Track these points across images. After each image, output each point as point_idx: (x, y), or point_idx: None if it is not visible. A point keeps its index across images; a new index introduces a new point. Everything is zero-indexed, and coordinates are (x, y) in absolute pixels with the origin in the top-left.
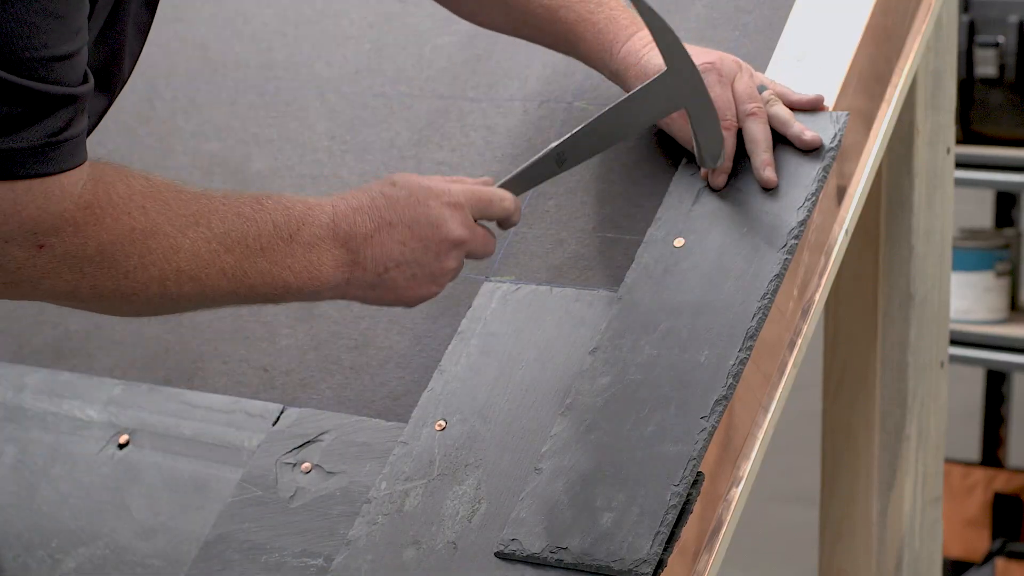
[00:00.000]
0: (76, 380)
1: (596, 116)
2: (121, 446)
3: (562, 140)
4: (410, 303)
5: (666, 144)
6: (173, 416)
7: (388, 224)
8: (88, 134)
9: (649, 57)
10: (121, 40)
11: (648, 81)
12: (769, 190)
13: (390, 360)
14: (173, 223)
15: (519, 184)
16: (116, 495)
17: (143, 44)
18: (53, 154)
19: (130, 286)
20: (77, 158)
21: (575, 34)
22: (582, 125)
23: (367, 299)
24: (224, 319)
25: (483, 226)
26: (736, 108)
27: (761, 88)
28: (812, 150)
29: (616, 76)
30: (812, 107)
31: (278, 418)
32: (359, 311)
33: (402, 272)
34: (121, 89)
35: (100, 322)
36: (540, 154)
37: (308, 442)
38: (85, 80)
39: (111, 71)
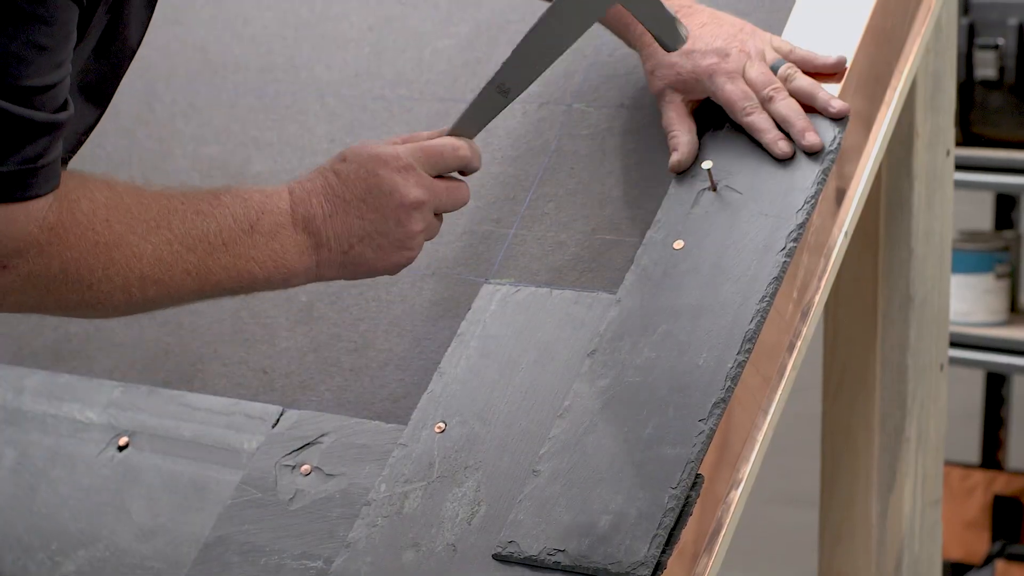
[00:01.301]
0: (76, 382)
1: (525, 35)
2: (121, 448)
3: (499, 69)
4: (389, 271)
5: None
6: (173, 418)
7: (343, 201)
8: (78, 148)
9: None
10: (119, 58)
11: None
12: (770, 192)
13: (390, 362)
14: (135, 231)
15: (469, 126)
16: (116, 497)
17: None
18: (31, 180)
19: (94, 296)
20: (51, 183)
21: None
22: (517, 50)
23: (342, 277)
24: (224, 321)
25: (449, 177)
26: (757, 96)
27: (778, 64)
28: (841, 118)
29: (645, 57)
30: (835, 71)
31: (278, 420)
32: (358, 313)
33: (367, 245)
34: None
35: (100, 324)
36: (484, 90)
37: (308, 444)
38: (64, 107)
39: (105, 88)
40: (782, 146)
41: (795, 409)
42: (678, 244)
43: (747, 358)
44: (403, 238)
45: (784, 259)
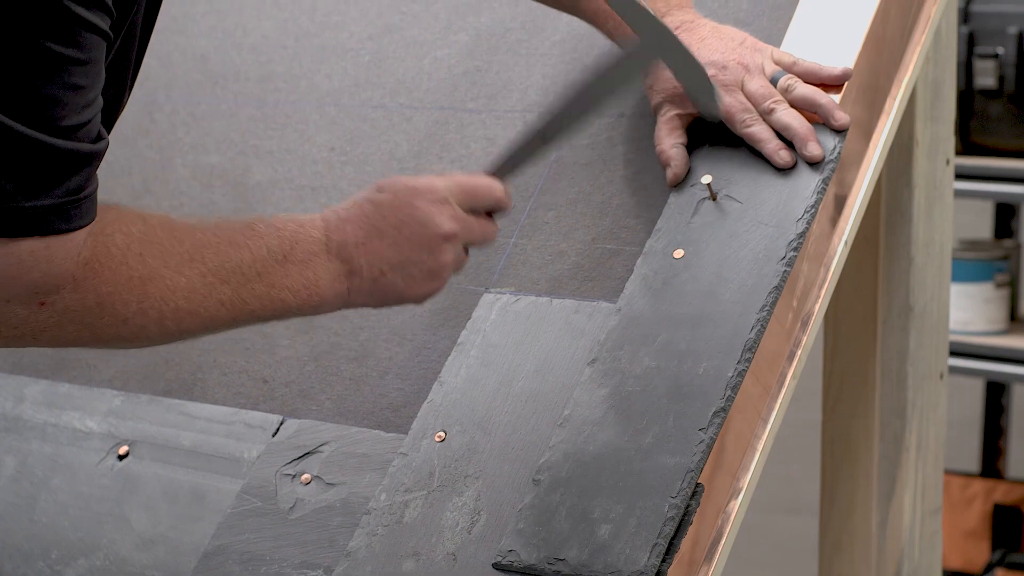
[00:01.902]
0: (76, 391)
1: (573, 86)
2: (121, 457)
3: (544, 117)
4: (416, 301)
5: None
6: (173, 427)
7: (377, 229)
8: None
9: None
10: (122, 84)
11: (614, 45)
12: (770, 201)
13: (390, 371)
14: (169, 264)
15: (507, 168)
16: (116, 506)
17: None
18: (73, 212)
19: (130, 330)
20: (91, 215)
21: (600, 20)
22: (560, 99)
23: (371, 304)
24: None
25: (480, 215)
26: (757, 108)
27: (777, 76)
28: (843, 131)
29: None
30: (840, 83)
31: (278, 429)
32: (359, 322)
33: (398, 274)
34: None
35: None
36: (524, 134)
37: (308, 453)
38: (100, 137)
39: (113, 112)
40: (784, 156)
41: (795, 418)
42: (678, 253)
43: (747, 367)
44: (434, 268)
45: (784, 268)
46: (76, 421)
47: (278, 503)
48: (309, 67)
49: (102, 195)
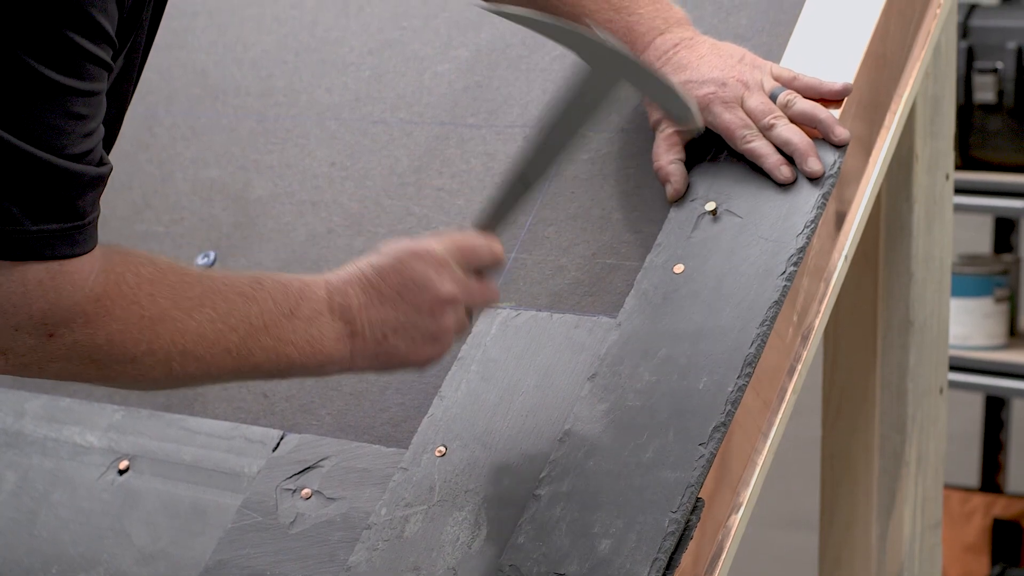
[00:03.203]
0: (76, 406)
1: (541, 127)
2: (121, 472)
3: (520, 162)
4: (420, 365)
5: None
6: (173, 442)
7: (379, 293)
8: None
9: (672, 65)
10: (123, 104)
11: (569, 76)
12: (770, 216)
13: (390, 386)
14: (180, 307)
15: (496, 218)
16: (116, 521)
17: None
18: (79, 237)
19: (136, 370)
20: (95, 241)
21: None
22: (532, 141)
23: (375, 368)
24: None
25: (479, 274)
26: (757, 125)
27: (777, 92)
28: (843, 146)
29: None
30: (840, 97)
31: (278, 444)
32: None
33: (400, 337)
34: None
35: None
36: (505, 183)
37: (308, 468)
38: (103, 163)
39: (113, 132)
40: (784, 171)
41: (795, 432)
42: (678, 268)
43: (747, 382)
44: (436, 332)
45: (784, 283)
46: (76, 436)
47: (278, 518)
48: (310, 82)
49: (104, 211)
